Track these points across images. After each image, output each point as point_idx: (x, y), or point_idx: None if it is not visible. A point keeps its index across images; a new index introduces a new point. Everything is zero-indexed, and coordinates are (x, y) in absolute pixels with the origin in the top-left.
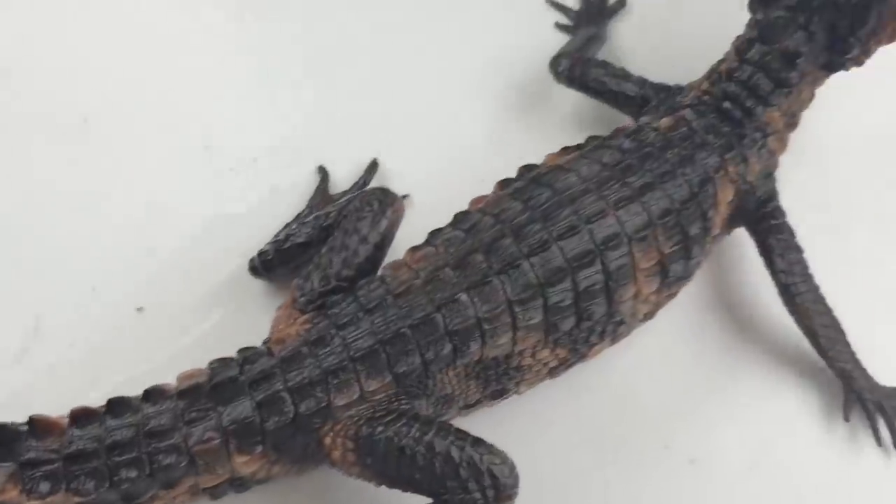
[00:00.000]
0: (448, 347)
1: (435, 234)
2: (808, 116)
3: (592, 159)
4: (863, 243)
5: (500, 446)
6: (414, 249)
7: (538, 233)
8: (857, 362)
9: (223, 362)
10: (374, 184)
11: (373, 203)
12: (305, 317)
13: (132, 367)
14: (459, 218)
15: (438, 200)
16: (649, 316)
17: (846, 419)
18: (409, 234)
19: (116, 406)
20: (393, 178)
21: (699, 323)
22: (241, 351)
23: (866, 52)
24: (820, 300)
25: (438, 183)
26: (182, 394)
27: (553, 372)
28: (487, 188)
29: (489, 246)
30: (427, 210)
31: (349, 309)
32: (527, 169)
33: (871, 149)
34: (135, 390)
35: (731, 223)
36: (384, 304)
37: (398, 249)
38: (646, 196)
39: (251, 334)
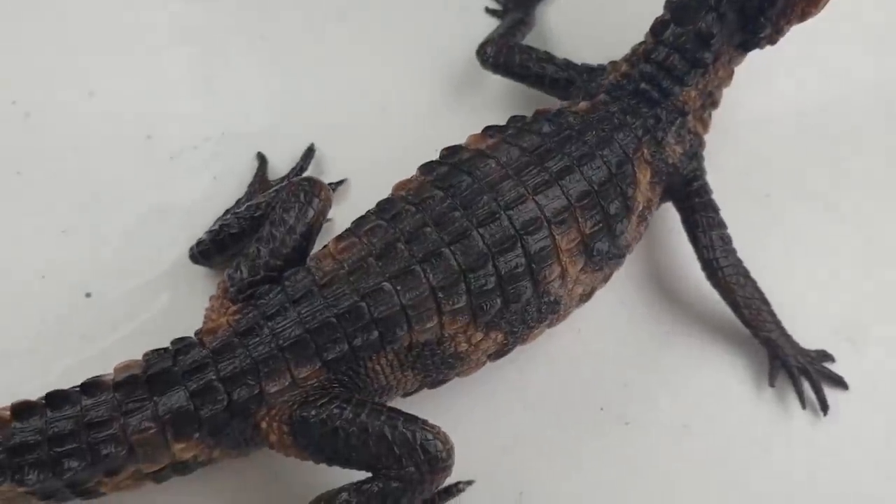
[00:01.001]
0: (375, 334)
1: (359, 223)
2: (729, 93)
3: (512, 144)
4: (787, 212)
5: (438, 419)
6: (338, 239)
7: (458, 220)
8: (781, 329)
9: (157, 353)
10: (311, 168)
11: (299, 194)
12: (236, 307)
13: (83, 350)
14: (382, 206)
15: (375, 183)
16: (585, 297)
17: (771, 385)
18: (348, 217)
19: (56, 399)
20: (330, 162)
21: (630, 295)
22: (174, 342)
23: (779, 32)
24: (741, 273)
25: (375, 166)
26: (118, 385)
27: (493, 357)
28: None
29: (411, 235)
30: (364, 193)
31: (277, 299)
32: (449, 151)
33: (792, 123)
34: (85, 374)
35: (661, 200)
36: (310, 295)
37: (335, 233)
38: (564, 179)
39: (196, 317)
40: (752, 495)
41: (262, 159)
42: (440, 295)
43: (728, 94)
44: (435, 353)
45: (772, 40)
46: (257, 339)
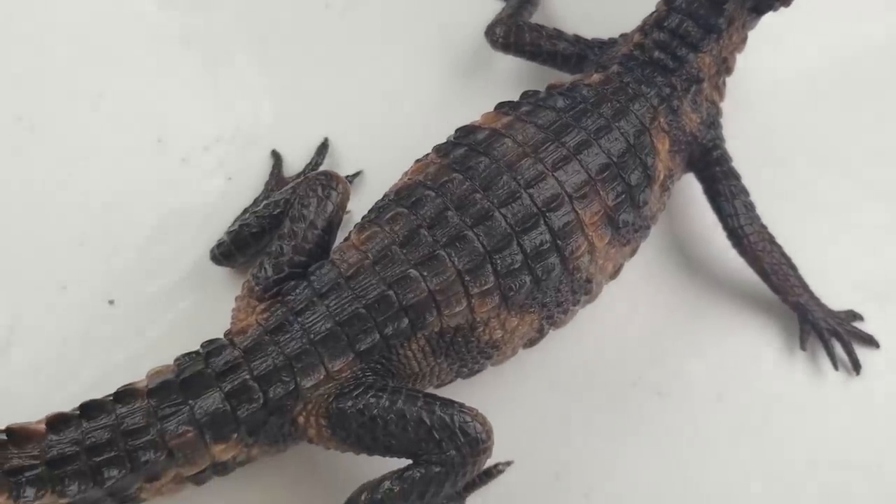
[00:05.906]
0: (405, 321)
1: (379, 211)
2: (742, 59)
3: (527, 122)
4: (805, 177)
5: (472, 398)
6: (360, 229)
7: (480, 202)
8: (809, 293)
9: (189, 357)
10: (326, 163)
11: (317, 188)
12: (263, 305)
13: (110, 358)
14: (403, 194)
15: (390, 172)
16: (615, 273)
17: (803, 349)
18: (366, 208)
19: (90, 409)
20: (344, 155)
21: (659, 267)
22: (204, 345)
23: None
24: (767, 239)
25: (389, 155)
26: (152, 392)
27: (528, 344)
28: None
29: (433, 220)
30: (380, 184)
31: (304, 294)
32: (464, 132)
33: (805, 86)
34: (112, 382)
35: (682, 171)
36: (338, 287)
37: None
38: (582, 153)
39: (221, 318)
40: (787, 462)
41: (276, 157)
42: (467, 278)
43: (739, 60)
44: (469, 340)
45: (786, 2)
46: (288, 335)
